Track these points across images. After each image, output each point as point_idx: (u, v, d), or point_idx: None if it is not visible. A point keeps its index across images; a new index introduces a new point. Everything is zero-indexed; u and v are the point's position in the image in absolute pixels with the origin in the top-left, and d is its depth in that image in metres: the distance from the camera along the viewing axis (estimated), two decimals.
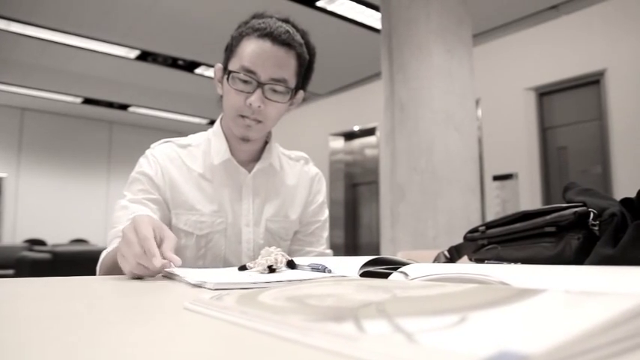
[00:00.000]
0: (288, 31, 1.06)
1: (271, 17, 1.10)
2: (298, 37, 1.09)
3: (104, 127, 9.23)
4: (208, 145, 1.17)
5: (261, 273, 0.69)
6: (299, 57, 1.09)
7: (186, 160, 1.14)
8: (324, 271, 0.70)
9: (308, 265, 0.75)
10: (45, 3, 4.64)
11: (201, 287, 0.58)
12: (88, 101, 7.88)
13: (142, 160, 1.14)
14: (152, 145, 1.17)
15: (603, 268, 0.44)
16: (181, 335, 0.30)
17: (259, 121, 1.08)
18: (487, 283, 0.42)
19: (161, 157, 1.12)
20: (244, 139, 1.11)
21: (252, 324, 0.30)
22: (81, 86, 7.18)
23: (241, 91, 1.05)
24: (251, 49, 1.05)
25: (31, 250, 4.54)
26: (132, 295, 0.55)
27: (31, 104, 8.11)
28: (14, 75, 6.72)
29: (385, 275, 0.55)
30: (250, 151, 1.17)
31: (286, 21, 1.11)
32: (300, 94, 1.16)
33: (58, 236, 7.81)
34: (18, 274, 3.72)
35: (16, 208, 8.16)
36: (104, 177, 9.09)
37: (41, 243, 7.07)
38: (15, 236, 7.95)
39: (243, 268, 0.68)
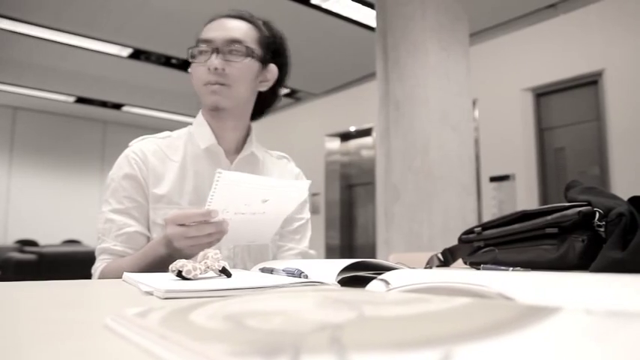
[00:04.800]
0: (240, 11, 1.13)
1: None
2: (254, 17, 1.15)
3: (98, 127, 9.11)
4: (189, 137, 1.15)
5: (218, 276, 0.61)
6: (256, 28, 1.13)
7: (167, 151, 1.11)
8: (300, 276, 0.62)
9: (283, 270, 0.67)
10: (36, 0, 4.54)
11: (152, 295, 0.50)
12: (81, 100, 7.77)
13: (121, 160, 1.09)
14: (130, 143, 1.13)
15: (621, 276, 0.37)
16: None
17: (224, 85, 1.06)
18: (483, 295, 0.34)
19: (141, 152, 1.09)
20: (215, 109, 1.09)
21: (167, 353, 0.22)
22: (74, 85, 7.08)
23: (201, 62, 1.07)
24: (206, 26, 1.11)
25: (21, 250, 4.44)
26: (64, 305, 0.47)
27: (23, 103, 7.99)
28: (5, 73, 6.60)
29: (364, 282, 0.47)
30: (233, 139, 1.15)
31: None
32: (272, 69, 1.17)
33: (50, 237, 7.67)
34: (3, 275, 3.63)
35: (7, 209, 8.04)
36: (97, 177, 8.96)
37: (33, 244, 6.93)
38: (6, 237, 7.82)
39: (179, 274, 0.59)
